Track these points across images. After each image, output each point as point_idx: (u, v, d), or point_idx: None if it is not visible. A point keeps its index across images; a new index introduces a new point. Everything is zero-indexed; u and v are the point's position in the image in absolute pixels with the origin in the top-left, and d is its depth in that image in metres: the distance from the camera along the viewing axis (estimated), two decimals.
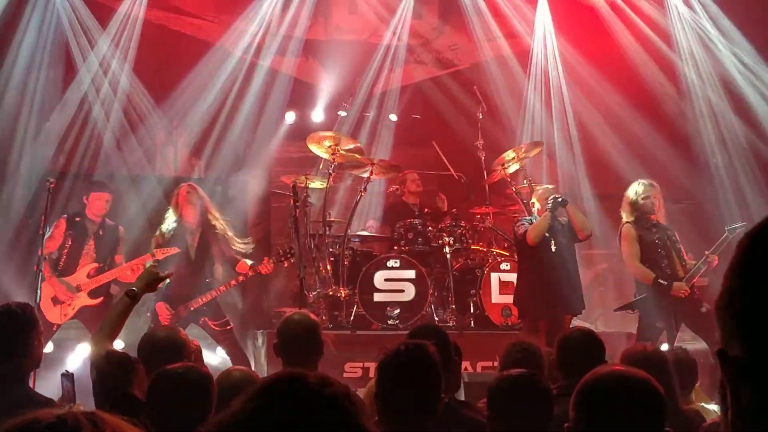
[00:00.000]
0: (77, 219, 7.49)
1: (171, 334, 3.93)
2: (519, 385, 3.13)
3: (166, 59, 9.35)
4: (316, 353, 3.96)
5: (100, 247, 7.52)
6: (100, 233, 7.54)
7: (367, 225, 9.16)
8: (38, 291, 6.47)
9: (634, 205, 7.21)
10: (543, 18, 9.70)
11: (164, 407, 2.95)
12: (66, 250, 7.40)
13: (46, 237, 7.03)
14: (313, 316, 4.27)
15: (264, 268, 7.41)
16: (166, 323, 7.07)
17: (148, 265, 4.16)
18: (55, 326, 7.23)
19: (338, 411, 1.26)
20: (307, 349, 3.94)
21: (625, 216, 7.31)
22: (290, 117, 9.18)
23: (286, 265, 7.61)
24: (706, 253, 7.16)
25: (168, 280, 5.47)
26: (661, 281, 7.10)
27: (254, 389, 1.30)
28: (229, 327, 7.56)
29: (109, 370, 3.48)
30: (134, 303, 3.99)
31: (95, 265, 7.43)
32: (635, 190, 7.24)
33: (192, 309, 7.34)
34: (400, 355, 3.03)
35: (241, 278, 7.52)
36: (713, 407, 4.36)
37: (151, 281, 4.06)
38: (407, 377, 2.95)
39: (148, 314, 7.37)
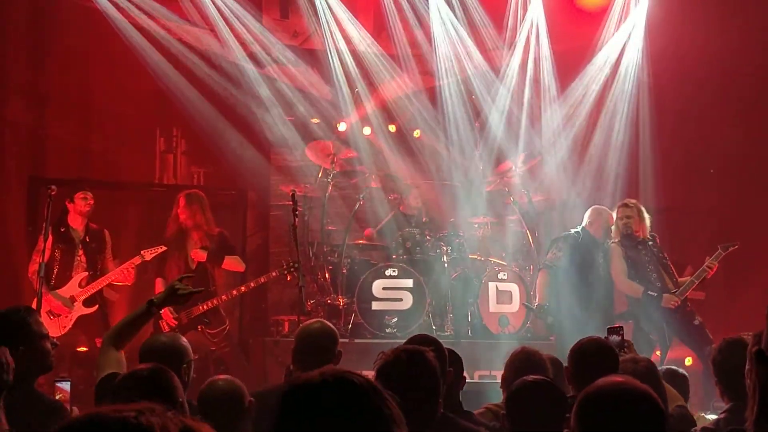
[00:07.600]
0: (62, 230, 7.38)
1: (173, 341, 3.87)
2: (535, 390, 3.22)
3: None
4: (331, 363, 3.97)
5: (90, 255, 7.46)
6: (87, 240, 7.47)
7: (365, 234, 9.15)
8: (40, 297, 6.43)
9: (616, 231, 7.54)
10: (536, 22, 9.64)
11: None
12: (57, 263, 7.32)
13: (35, 249, 7.10)
14: (331, 326, 4.29)
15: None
16: (171, 326, 7.23)
17: (176, 283, 4.06)
18: (54, 338, 7.21)
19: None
20: (325, 358, 3.95)
21: (612, 236, 7.58)
22: (290, 125, 9.19)
23: (289, 279, 7.58)
24: (708, 258, 7.18)
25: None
26: (651, 293, 7.19)
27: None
28: (226, 331, 7.62)
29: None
30: (150, 313, 3.95)
31: (85, 274, 7.38)
32: (614, 214, 7.58)
33: (193, 316, 7.38)
34: (399, 359, 3.04)
35: (243, 288, 7.59)
36: (711, 416, 4.40)
37: (171, 296, 4.01)
38: (406, 382, 2.94)
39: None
